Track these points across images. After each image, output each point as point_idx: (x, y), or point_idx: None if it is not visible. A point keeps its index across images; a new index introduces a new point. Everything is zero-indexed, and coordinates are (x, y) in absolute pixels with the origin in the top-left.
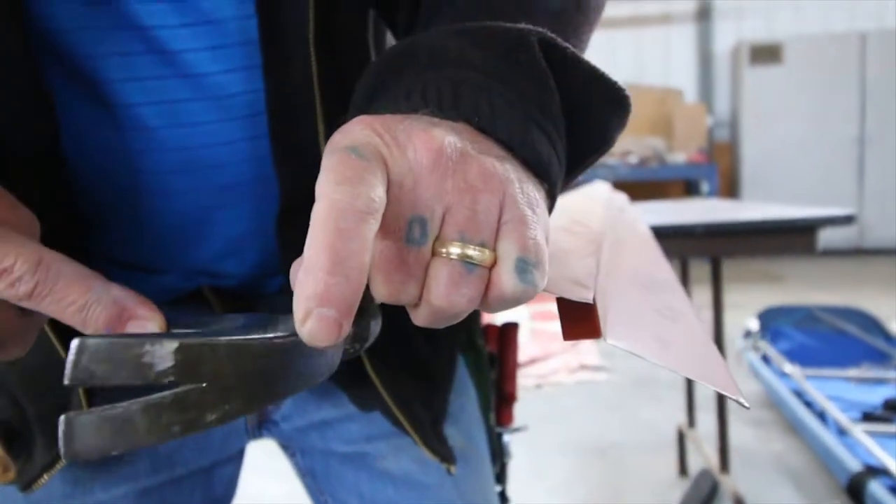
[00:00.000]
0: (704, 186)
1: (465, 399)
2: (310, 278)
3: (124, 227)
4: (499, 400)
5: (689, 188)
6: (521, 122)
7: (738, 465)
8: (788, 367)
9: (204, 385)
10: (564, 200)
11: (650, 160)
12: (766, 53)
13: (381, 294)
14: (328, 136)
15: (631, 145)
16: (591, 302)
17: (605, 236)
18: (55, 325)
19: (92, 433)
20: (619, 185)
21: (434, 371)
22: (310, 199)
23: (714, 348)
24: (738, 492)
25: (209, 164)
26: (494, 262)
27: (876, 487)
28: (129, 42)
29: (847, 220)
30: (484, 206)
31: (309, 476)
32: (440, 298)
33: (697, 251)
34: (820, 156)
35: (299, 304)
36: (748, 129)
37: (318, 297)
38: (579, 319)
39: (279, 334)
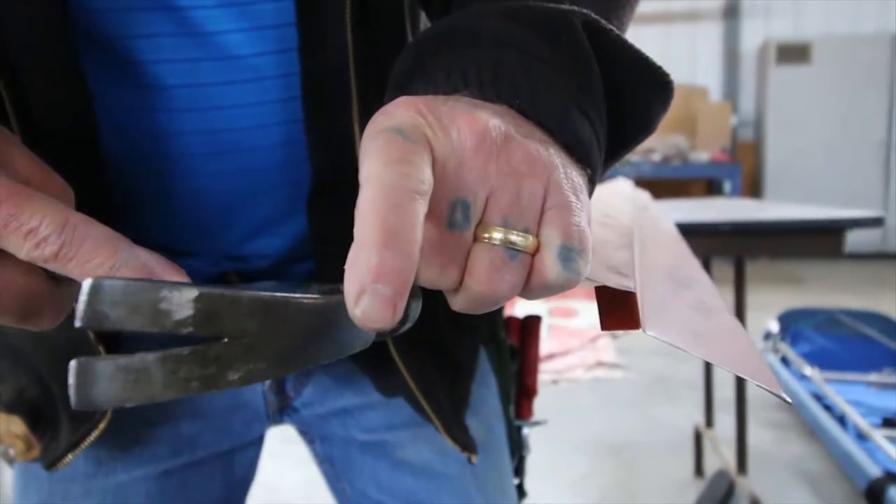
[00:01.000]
0: (727, 186)
1: (486, 391)
2: (363, 253)
3: (155, 210)
4: (519, 393)
5: (711, 187)
6: (562, 105)
7: (754, 467)
8: (808, 370)
9: (226, 340)
10: (597, 193)
11: (673, 158)
12: (794, 53)
13: (421, 278)
14: (363, 118)
15: (654, 143)
16: (634, 290)
17: (635, 231)
18: None
19: (106, 381)
20: (642, 182)
21: (458, 360)
22: (342, 181)
23: (751, 342)
24: (755, 494)
25: (242, 147)
26: (537, 249)
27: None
28: (164, 23)
29: (876, 222)
30: (528, 191)
31: (328, 463)
32: (482, 284)
33: (721, 250)
34: (845, 158)
35: (352, 282)
36: (773, 130)
37: (372, 271)
38: (619, 310)
39: (310, 295)
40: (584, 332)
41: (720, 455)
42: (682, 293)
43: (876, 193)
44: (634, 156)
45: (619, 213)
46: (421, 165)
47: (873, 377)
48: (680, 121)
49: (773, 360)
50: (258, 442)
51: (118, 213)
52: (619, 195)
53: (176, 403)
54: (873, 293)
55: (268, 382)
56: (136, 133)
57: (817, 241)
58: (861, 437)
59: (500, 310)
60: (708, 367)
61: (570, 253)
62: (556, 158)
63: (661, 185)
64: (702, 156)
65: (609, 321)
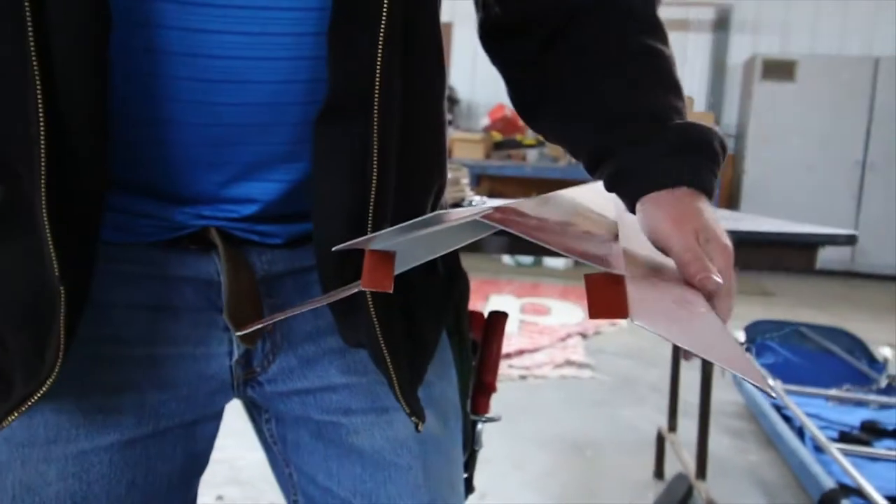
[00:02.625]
0: None
1: (446, 384)
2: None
3: (146, 139)
4: (477, 388)
5: None
6: (713, 182)
7: (713, 472)
8: (771, 381)
9: None
10: (582, 190)
11: None
12: (779, 69)
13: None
14: (390, 39)
15: None
16: (623, 275)
17: (619, 227)
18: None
19: None
20: None
21: (422, 335)
22: (356, 102)
23: (733, 338)
24: (713, 498)
25: (240, 78)
26: None
27: None
28: None
29: (849, 239)
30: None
31: (280, 444)
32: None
33: None
34: (821, 176)
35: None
36: (753, 144)
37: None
38: (607, 297)
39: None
40: (555, 330)
41: (681, 459)
42: (665, 288)
43: (849, 213)
44: None
45: (604, 210)
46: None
47: (833, 392)
48: None
49: None
50: (219, 415)
51: (112, 147)
52: (602, 194)
53: (139, 373)
54: (839, 310)
55: (235, 357)
56: (129, 51)
57: (791, 255)
58: (818, 449)
59: (466, 302)
60: (675, 372)
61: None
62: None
63: None
64: None
65: (597, 308)
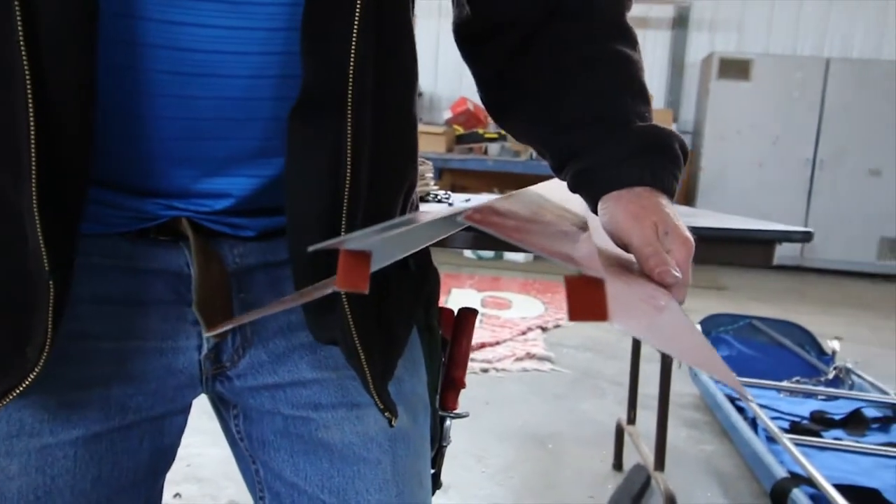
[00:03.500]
0: None
1: (416, 380)
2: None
3: (120, 132)
4: (445, 384)
5: None
6: (673, 184)
7: (669, 463)
8: None
9: None
10: (549, 185)
11: None
12: (735, 68)
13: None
14: (363, 33)
15: None
16: (603, 278)
17: (590, 224)
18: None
19: None
20: None
21: (394, 331)
22: (331, 97)
23: (703, 338)
24: (671, 489)
25: (215, 72)
26: None
27: (798, 495)
28: None
29: (805, 236)
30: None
31: (246, 440)
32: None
33: None
34: (774, 174)
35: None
36: (709, 141)
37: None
38: (587, 300)
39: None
40: (516, 323)
41: (640, 450)
42: (634, 287)
43: (799, 210)
44: None
45: (574, 207)
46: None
47: (784, 384)
48: None
49: None
50: (187, 409)
51: (86, 141)
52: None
53: (106, 367)
54: (790, 304)
55: (205, 351)
56: (109, 43)
57: (750, 251)
58: (770, 439)
59: (436, 298)
60: (635, 365)
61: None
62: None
63: None
64: None
65: (578, 311)
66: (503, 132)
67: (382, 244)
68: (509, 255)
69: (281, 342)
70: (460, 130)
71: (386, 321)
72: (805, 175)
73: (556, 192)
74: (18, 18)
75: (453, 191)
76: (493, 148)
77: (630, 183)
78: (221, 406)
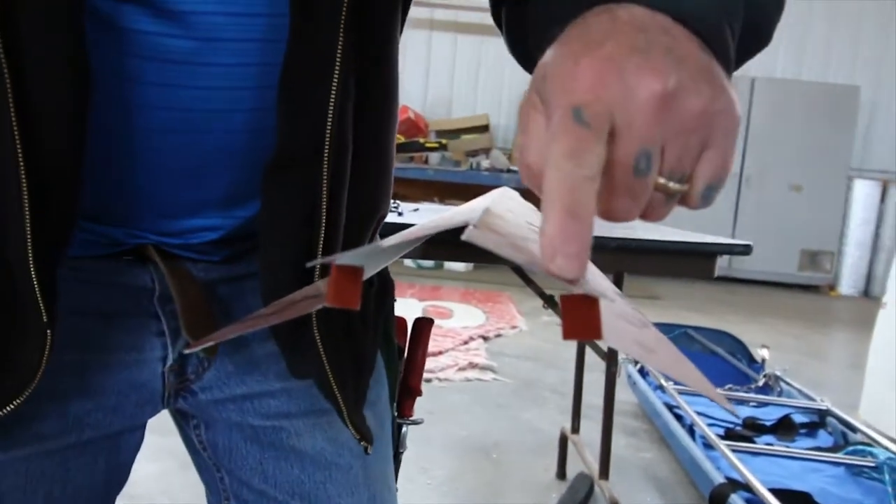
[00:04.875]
0: None
1: (380, 388)
2: (552, 225)
3: (102, 175)
4: (402, 392)
5: None
6: (717, 19)
7: (611, 471)
8: (663, 381)
9: None
10: (494, 198)
11: None
12: None
13: (611, 214)
14: (342, 95)
15: None
16: (597, 297)
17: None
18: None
19: None
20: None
21: (363, 353)
22: (306, 155)
23: (684, 357)
24: (615, 497)
25: (205, 128)
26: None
27: (736, 500)
28: None
29: (745, 249)
30: (693, 143)
31: (210, 449)
32: (646, 217)
33: (604, 265)
34: None
35: (547, 246)
36: None
37: (560, 238)
38: (582, 318)
39: None
40: (458, 332)
41: (584, 459)
42: (610, 304)
43: (726, 223)
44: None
45: (538, 221)
46: (594, 151)
47: (718, 391)
48: None
49: (633, 370)
50: (144, 425)
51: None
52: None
53: (65, 380)
54: (720, 313)
55: (169, 362)
56: (106, 101)
57: (693, 263)
58: (707, 446)
59: (393, 309)
60: (579, 375)
61: (711, 191)
62: (719, 100)
63: (538, 199)
64: None
65: (572, 329)
66: (443, 141)
67: (369, 259)
68: (449, 265)
69: (247, 352)
70: (401, 139)
71: (355, 344)
72: (732, 190)
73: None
74: (9, 88)
75: (393, 199)
76: (434, 157)
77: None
78: (181, 418)
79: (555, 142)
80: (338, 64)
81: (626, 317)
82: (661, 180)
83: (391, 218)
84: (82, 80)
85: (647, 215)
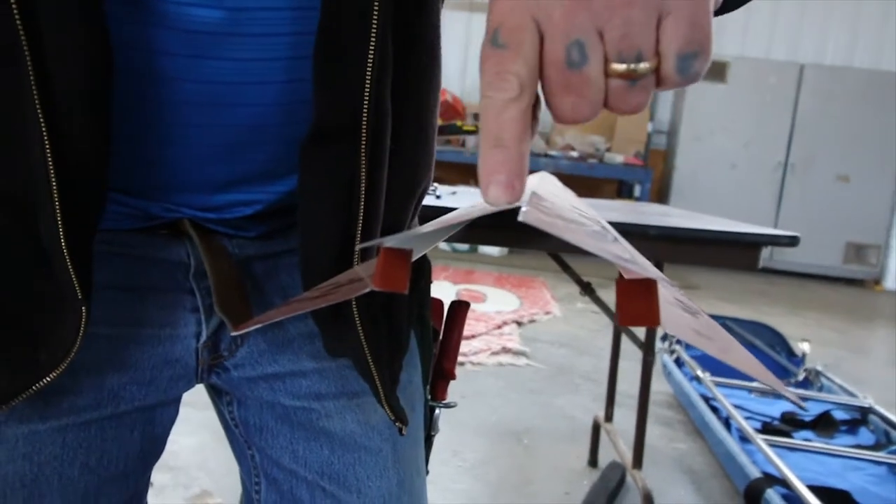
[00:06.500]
0: (637, 189)
1: (413, 371)
2: (482, 156)
3: (138, 151)
4: (436, 375)
5: (621, 189)
6: None
7: (644, 461)
8: (700, 373)
9: None
10: (536, 182)
11: (590, 157)
12: (712, 70)
13: (558, 115)
14: (379, 70)
15: (573, 140)
16: (655, 280)
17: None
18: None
19: None
20: (559, 176)
21: (398, 334)
22: (344, 130)
23: (740, 345)
24: (648, 487)
25: (238, 101)
26: (659, 62)
27: (772, 495)
28: None
29: (792, 240)
30: (636, 17)
31: (242, 426)
32: (614, 109)
33: (644, 253)
34: (745, 176)
35: (481, 177)
36: (684, 141)
37: (489, 167)
38: (638, 303)
39: None
40: (491, 317)
41: (617, 448)
42: (664, 289)
43: (769, 212)
44: (555, 150)
45: (581, 206)
46: (512, 70)
47: (755, 384)
48: (600, 122)
49: (669, 360)
50: (179, 400)
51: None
52: (565, 189)
53: (101, 353)
54: (759, 305)
55: (203, 339)
56: (135, 74)
57: (736, 253)
58: (744, 439)
59: (429, 291)
60: (614, 363)
61: (686, 61)
62: None
63: (576, 182)
64: (617, 158)
65: (627, 315)
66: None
67: (417, 242)
68: (484, 249)
69: (280, 331)
70: (439, 122)
71: (392, 326)
72: (777, 178)
73: (558, 192)
74: (31, 78)
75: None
76: (471, 140)
77: None
78: (215, 394)
79: (480, 74)
80: (374, 28)
81: (679, 303)
82: (614, 65)
83: (430, 201)
84: (102, 50)
85: (612, 107)
